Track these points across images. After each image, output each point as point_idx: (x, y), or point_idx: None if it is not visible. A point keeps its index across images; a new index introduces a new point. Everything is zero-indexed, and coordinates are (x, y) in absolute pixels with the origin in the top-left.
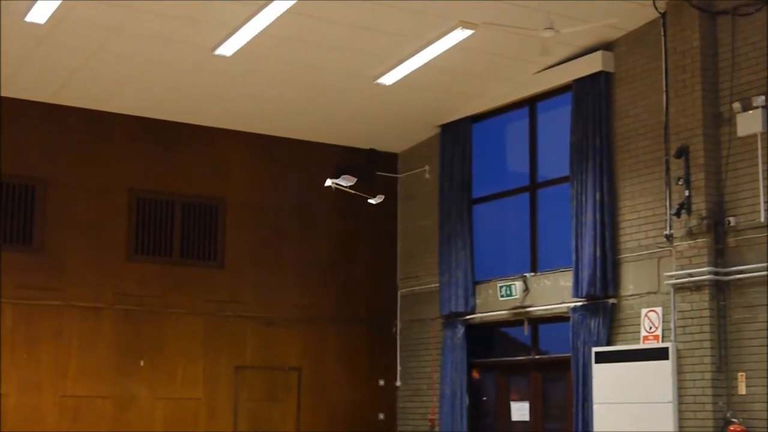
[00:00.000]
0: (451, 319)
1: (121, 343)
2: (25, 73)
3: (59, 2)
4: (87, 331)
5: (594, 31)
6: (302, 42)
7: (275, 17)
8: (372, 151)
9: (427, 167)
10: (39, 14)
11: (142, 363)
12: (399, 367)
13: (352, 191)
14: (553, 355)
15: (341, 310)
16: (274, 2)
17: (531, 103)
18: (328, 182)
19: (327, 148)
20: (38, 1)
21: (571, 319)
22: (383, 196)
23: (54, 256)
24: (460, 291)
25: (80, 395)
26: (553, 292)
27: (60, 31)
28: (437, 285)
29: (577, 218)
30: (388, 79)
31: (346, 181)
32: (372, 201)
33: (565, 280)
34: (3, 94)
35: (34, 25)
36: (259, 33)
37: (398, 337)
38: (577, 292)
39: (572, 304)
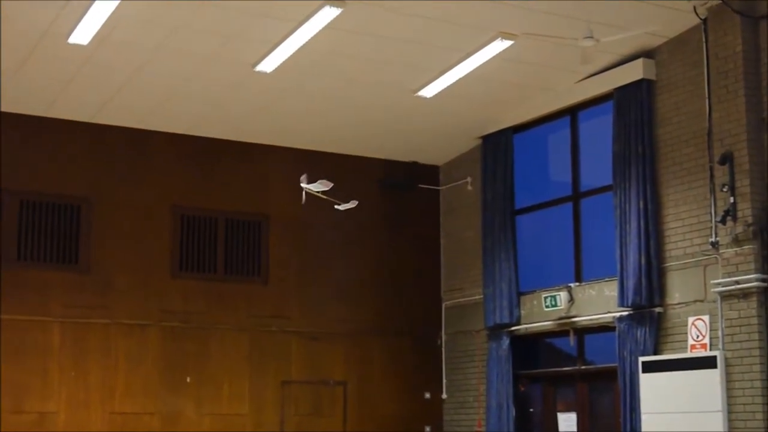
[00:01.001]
0: (496, 331)
1: (168, 359)
2: (68, 94)
3: (101, 23)
4: (134, 348)
5: (634, 39)
6: (342, 56)
7: (315, 33)
8: (414, 163)
9: (469, 179)
10: (82, 35)
11: (188, 379)
12: (444, 380)
13: (324, 196)
14: (599, 366)
15: (386, 324)
16: (313, 18)
17: (572, 112)
18: (303, 184)
19: (368, 161)
20: (81, 23)
21: (617, 329)
22: (356, 202)
23: (100, 274)
24: (505, 302)
25: (128, 412)
26: (599, 302)
27: (102, 52)
28: (481, 297)
29: (621, 227)
30: (429, 91)
31: (321, 186)
32: (340, 207)
33: (610, 289)
34: (48, 116)
35: (77, 47)
36: (299, 48)
37: (443, 349)
38: (622, 302)
39: (618, 314)
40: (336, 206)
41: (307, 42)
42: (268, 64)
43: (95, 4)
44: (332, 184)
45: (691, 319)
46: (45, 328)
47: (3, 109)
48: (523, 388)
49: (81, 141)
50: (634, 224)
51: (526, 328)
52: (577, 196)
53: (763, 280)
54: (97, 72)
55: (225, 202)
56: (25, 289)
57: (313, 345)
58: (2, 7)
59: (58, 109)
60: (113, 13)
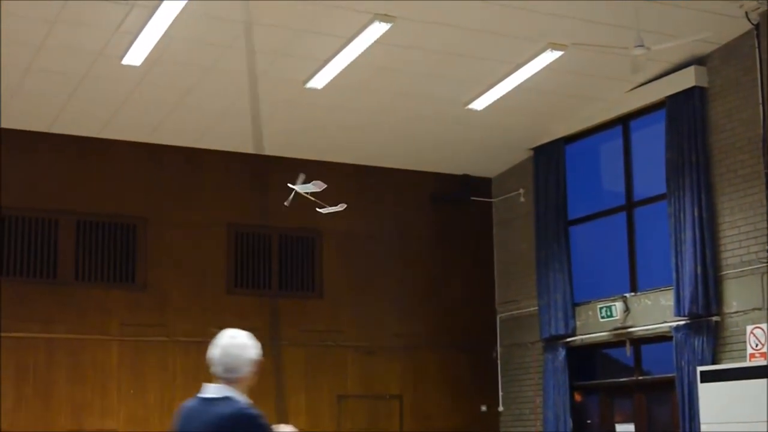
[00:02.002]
0: (551, 343)
1: None
2: (123, 114)
3: (153, 44)
4: (191, 365)
5: (685, 47)
6: (392, 71)
7: (364, 48)
8: (465, 176)
9: (521, 190)
10: (135, 57)
11: None
12: (501, 392)
13: (312, 198)
14: (656, 376)
15: (441, 337)
16: (362, 34)
17: (624, 121)
18: (291, 185)
19: (420, 175)
20: (134, 45)
21: (674, 339)
22: (345, 205)
23: (156, 292)
24: (560, 313)
25: None
26: (655, 312)
27: (155, 72)
28: (536, 308)
29: (676, 236)
30: (479, 104)
31: (314, 187)
32: (323, 210)
33: (666, 299)
34: (103, 136)
35: (130, 68)
36: (349, 64)
37: (499, 361)
38: (679, 311)
39: (674, 324)
40: (319, 209)
41: (357, 58)
42: (319, 81)
43: (147, 26)
44: (325, 186)
45: (749, 328)
46: (104, 347)
47: (61, 131)
48: (579, 400)
49: (135, 161)
50: (689, 233)
51: (582, 339)
52: (630, 205)
53: None
54: (150, 92)
55: (278, 218)
56: (84, 309)
57: (368, 359)
58: (57, 31)
59: (112, 130)
60: (164, 34)
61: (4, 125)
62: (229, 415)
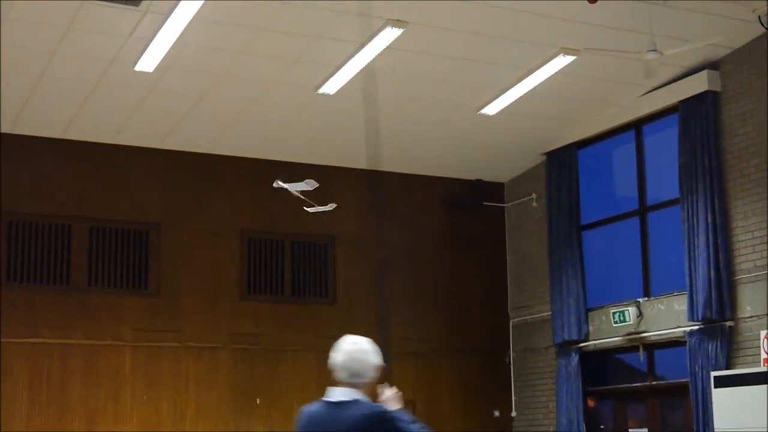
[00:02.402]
0: (564, 348)
1: (238, 381)
2: (136, 120)
3: (166, 51)
4: (204, 371)
5: (698, 51)
6: (404, 76)
7: (376, 54)
8: (478, 181)
9: (534, 195)
10: (148, 63)
11: (258, 401)
12: (514, 397)
13: (303, 197)
14: (670, 381)
15: (453, 342)
16: (374, 39)
17: (637, 126)
18: (281, 183)
19: (433, 180)
20: (147, 51)
21: (688, 344)
22: (334, 205)
23: (170, 298)
24: (573, 318)
25: None
26: (668, 317)
27: (168, 79)
28: (549, 313)
29: (689, 240)
30: (492, 109)
31: (306, 186)
32: (311, 210)
33: (679, 303)
34: (116, 142)
35: (143, 74)
36: (361, 69)
37: (512, 366)
38: (692, 316)
39: (688, 328)
40: (307, 208)
41: (368, 63)
42: (331, 87)
43: (160, 33)
44: (317, 185)
45: (763, 333)
46: (117, 353)
47: (74, 137)
48: (593, 405)
49: (149, 167)
50: (702, 237)
51: (595, 344)
52: (643, 210)
53: None
54: (163, 99)
55: (291, 224)
56: (97, 315)
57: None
58: (70, 37)
59: (125, 136)
60: (177, 40)
61: (18, 131)
62: (365, 416)
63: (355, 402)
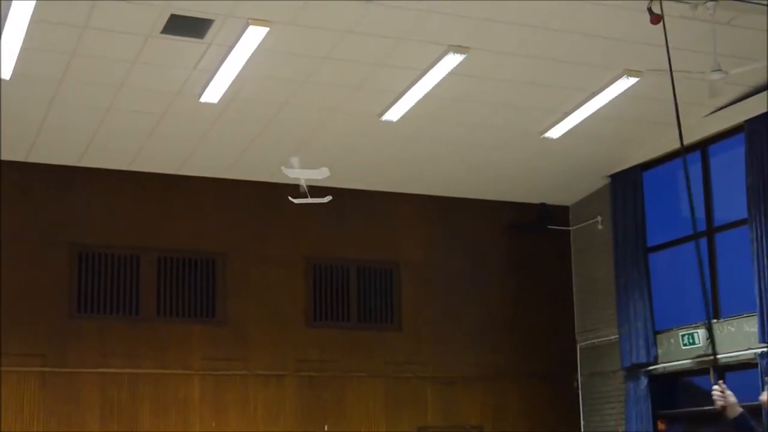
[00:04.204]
0: (633, 371)
1: (305, 408)
2: (201, 151)
3: (230, 81)
4: (271, 398)
5: (763, 70)
6: (466, 102)
7: (439, 80)
8: (543, 205)
9: (599, 218)
10: (212, 94)
11: (326, 427)
12: (582, 422)
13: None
14: (742, 404)
15: (520, 367)
16: (436, 66)
17: (703, 146)
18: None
19: (497, 205)
20: (211, 82)
21: (759, 366)
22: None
23: (236, 326)
24: (641, 342)
25: None
26: (738, 339)
27: (232, 109)
28: (617, 336)
29: (758, 261)
30: (555, 132)
31: (317, 174)
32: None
33: (749, 325)
34: (182, 173)
35: (208, 105)
36: (423, 96)
37: (580, 391)
38: (763, 338)
39: (759, 350)
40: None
41: (431, 89)
42: (394, 113)
43: (224, 64)
44: (328, 174)
45: None
46: (185, 381)
47: (141, 169)
48: (663, 428)
49: (214, 196)
50: None
51: (664, 368)
52: (711, 231)
53: None
54: (227, 129)
55: (356, 250)
56: (165, 344)
57: (448, 390)
58: (136, 71)
59: (191, 167)
60: (240, 71)
61: (86, 164)
62: None
63: None
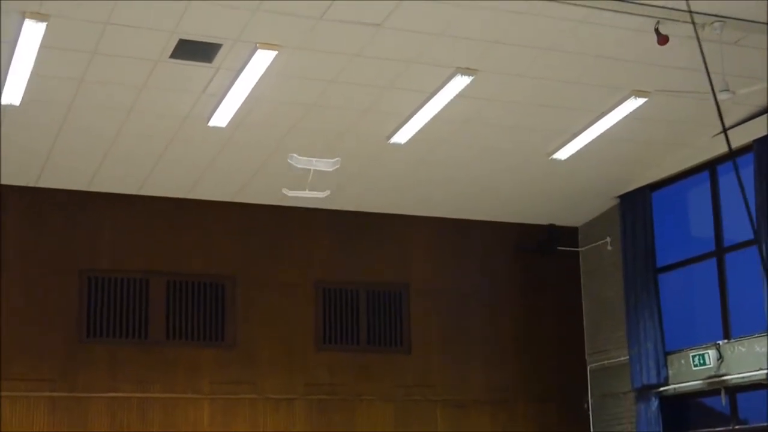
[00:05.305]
0: (644, 392)
1: None
2: (210, 175)
3: (238, 106)
4: (281, 422)
5: None
6: (474, 124)
7: (446, 102)
8: (551, 226)
9: (608, 239)
10: (221, 118)
11: None
12: None
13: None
14: (754, 425)
15: (530, 389)
16: (444, 88)
17: (711, 166)
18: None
19: (506, 226)
20: (220, 107)
21: None
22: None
23: (246, 350)
24: (652, 363)
25: None
26: (749, 359)
27: (241, 133)
28: (627, 358)
29: None
30: (563, 153)
31: (327, 166)
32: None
33: (760, 345)
34: (191, 197)
35: (217, 129)
36: (431, 119)
37: (590, 413)
38: None
39: None
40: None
41: (439, 111)
42: (402, 136)
43: (233, 88)
44: (338, 166)
45: None
46: (195, 405)
47: (149, 193)
48: None
49: (223, 220)
50: None
51: (675, 389)
52: (720, 251)
53: None
54: (236, 153)
55: (365, 273)
56: (175, 368)
57: (458, 413)
58: (145, 95)
59: (200, 191)
60: (249, 95)
61: (95, 188)
62: None
63: None
